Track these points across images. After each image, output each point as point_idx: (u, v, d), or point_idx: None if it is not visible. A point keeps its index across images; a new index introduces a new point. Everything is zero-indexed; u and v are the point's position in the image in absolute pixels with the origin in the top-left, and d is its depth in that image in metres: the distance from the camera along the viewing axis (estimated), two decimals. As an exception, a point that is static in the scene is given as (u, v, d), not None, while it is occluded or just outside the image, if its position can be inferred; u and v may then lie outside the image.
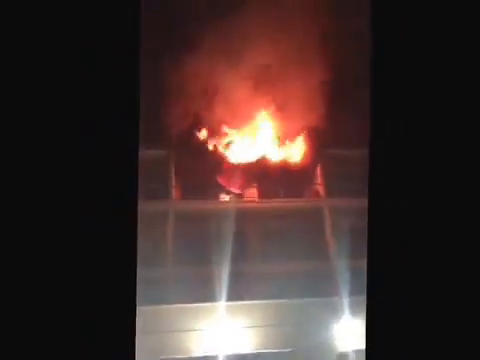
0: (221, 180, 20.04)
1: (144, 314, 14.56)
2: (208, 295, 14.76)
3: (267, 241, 17.29)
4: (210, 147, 20.48)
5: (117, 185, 4.29)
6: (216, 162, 20.53)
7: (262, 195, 20.05)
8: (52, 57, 4.32)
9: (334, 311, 14.03)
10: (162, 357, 14.93)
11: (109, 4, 4.34)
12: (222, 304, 14.46)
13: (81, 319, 4.33)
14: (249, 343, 14.92)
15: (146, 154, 19.12)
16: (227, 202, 18.84)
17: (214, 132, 20.75)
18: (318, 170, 19.84)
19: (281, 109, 20.88)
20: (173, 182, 19.44)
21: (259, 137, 21.02)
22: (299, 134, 20.62)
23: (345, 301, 14.88)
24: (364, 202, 4.67)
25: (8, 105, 4.24)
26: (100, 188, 4.30)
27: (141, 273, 13.54)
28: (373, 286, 4.51)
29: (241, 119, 20.75)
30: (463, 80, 4.61)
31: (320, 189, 19.77)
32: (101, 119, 4.32)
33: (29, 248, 4.25)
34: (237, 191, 20.02)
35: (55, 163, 4.29)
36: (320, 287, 14.94)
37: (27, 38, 4.29)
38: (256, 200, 19.54)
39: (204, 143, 20.61)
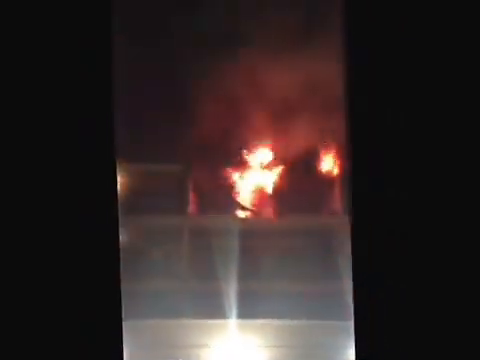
0: (237, 198, 19.96)
1: (154, 328, 14.38)
2: (219, 311, 14.55)
3: (283, 259, 17.07)
4: (228, 164, 20.44)
5: (97, 198, 4.22)
6: (234, 179, 20.47)
7: (278, 213, 19.87)
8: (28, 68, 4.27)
9: (348, 335, 13.65)
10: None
11: (80, 13, 4.29)
12: (233, 321, 14.25)
13: (68, 333, 4.21)
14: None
15: (163, 168, 19.17)
16: (243, 219, 18.65)
17: (234, 149, 20.69)
18: (335, 189, 19.66)
19: (302, 127, 20.83)
20: (190, 197, 19.33)
21: (277, 156, 20.97)
22: (319, 153, 20.51)
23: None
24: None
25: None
26: (81, 200, 4.24)
27: (152, 286, 13.23)
28: (360, 307, 4.45)
29: (262, 136, 20.70)
30: (445, 89, 4.54)
31: (337, 208, 19.53)
32: (76, 129, 4.26)
33: (12, 258, 4.17)
34: (254, 208, 19.92)
35: (35, 176, 4.21)
36: (334, 310, 14.63)
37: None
38: (272, 217, 19.36)
39: (222, 159, 20.56)
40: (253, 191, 21.05)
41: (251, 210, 20.66)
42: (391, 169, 4.55)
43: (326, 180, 20.61)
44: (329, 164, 20.70)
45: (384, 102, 4.55)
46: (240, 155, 20.89)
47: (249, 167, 21.34)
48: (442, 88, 4.53)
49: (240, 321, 15.63)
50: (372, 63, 4.54)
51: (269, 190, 20.80)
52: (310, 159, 20.28)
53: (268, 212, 20.66)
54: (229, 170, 21.18)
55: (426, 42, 4.55)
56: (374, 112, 4.55)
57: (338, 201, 19.98)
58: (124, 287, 5.07)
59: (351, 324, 4.96)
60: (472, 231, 4.43)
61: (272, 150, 20.48)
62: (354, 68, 4.57)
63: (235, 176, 21.43)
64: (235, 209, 20.54)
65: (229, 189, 20.88)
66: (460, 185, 4.49)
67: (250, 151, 20.84)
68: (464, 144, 4.49)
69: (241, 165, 21.42)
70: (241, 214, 20.64)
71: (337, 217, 20.06)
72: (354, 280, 4.59)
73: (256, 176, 21.02)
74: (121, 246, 5.29)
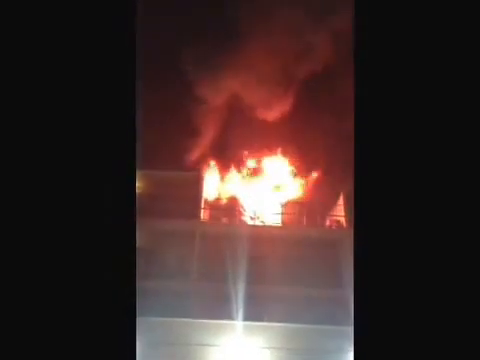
0: (243, 205, 20.12)
1: (163, 326, 14.42)
2: (224, 313, 14.57)
3: (288, 266, 17.01)
4: (236, 174, 20.62)
5: (116, 202, 4.27)
6: (242, 187, 20.66)
7: (285, 222, 19.95)
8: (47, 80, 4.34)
9: (350, 340, 13.56)
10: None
11: (105, 25, 4.37)
12: (239, 323, 14.27)
13: (81, 330, 4.23)
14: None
15: (177, 176, 19.30)
16: (250, 226, 18.72)
17: (240, 160, 20.92)
18: (341, 201, 19.66)
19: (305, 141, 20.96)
20: (202, 204, 19.47)
21: (282, 168, 21.07)
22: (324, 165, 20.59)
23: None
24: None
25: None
26: (101, 204, 4.29)
27: (164, 286, 13.16)
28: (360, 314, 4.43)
29: (264, 149, 20.90)
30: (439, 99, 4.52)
31: (342, 220, 19.55)
32: (99, 139, 4.33)
33: (32, 256, 4.21)
34: (259, 216, 20.04)
35: (58, 183, 4.28)
36: (337, 315, 14.57)
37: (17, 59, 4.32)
38: (279, 226, 19.43)
39: (230, 170, 20.75)
40: (263, 200, 20.78)
41: (260, 218, 20.39)
42: (392, 183, 4.55)
43: (332, 192, 20.36)
44: (335, 177, 20.38)
45: (391, 117, 4.56)
46: (251, 164, 20.64)
47: (258, 176, 21.14)
48: (453, 113, 4.50)
49: (245, 323, 15.54)
50: (380, 77, 4.57)
51: (278, 199, 20.48)
52: (318, 171, 20.00)
53: (276, 220, 20.40)
54: (240, 178, 20.95)
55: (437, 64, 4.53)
56: (381, 129, 4.56)
57: (342, 216, 19.61)
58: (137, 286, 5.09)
59: (351, 329, 4.92)
60: (472, 242, 4.41)
61: (282, 160, 20.21)
62: (361, 82, 4.59)
63: (244, 185, 21.17)
64: (244, 216, 20.32)
65: (239, 197, 20.62)
66: (460, 199, 4.47)
67: (260, 160, 20.59)
68: (468, 162, 4.45)
69: (251, 174, 21.18)
70: (250, 221, 20.52)
71: (342, 229, 19.83)
72: (355, 288, 4.58)
73: (265, 185, 20.80)
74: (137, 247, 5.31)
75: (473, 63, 4.59)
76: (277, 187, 20.22)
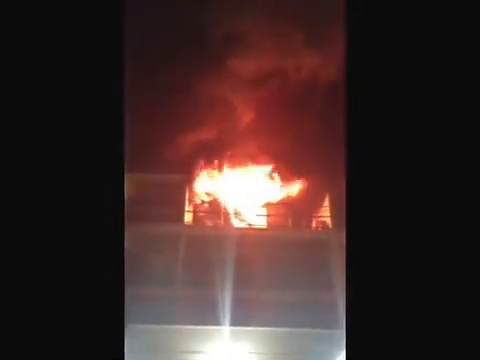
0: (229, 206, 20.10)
1: (151, 333, 14.28)
2: (211, 318, 14.44)
3: (274, 269, 16.95)
4: (220, 175, 20.58)
5: (104, 207, 4.19)
6: (225, 189, 20.64)
7: (271, 224, 19.93)
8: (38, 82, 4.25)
9: (337, 344, 13.52)
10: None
11: (92, 28, 4.29)
12: (225, 329, 14.14)
13: (72, 334, 4.15)
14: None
15: (162, 178, 19.22)
16: (236, 229, 18.67)
17: (225, 161, 20.89)
18: (327, 202, 19.68)
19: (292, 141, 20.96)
20: (186, 207, 19.41)
21: (267, 171, 21.07)
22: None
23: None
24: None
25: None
26: (89, 207, 4.20)
27: (150, 292, 13.01)
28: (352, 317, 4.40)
29: (253, 150, 20.88)
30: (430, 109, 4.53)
31: (328, 222, 19.56)
32: (88, 142, 4.25)
33: (19, 262, 4.12)
34: (247, 218, 20.00)
35: (45, 187, 4.18)
36: (324, 319, 14.50)
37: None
38: (265, 228, 19.43)
39: (215, 171, 20.71)
40: (249, 202, 20.63)
41: (246, 220, 20.21)
42: (385, 185, 4.52)
43: (322, 194, 20.30)
44: (326, 179, 20.32)
45: (382, 119, 4.55)
46: (237, 166, 20.51)
47: (246, 178, 20.98)
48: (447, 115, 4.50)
49: (233, 328, 15.43)
50: (371, 77, 4.55)
51: (264, 200, 20.36)
52: (308, 173, 19.92)
53: (263, 222, 20.25)
54: (226, 180, 20.80)
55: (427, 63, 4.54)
56: (372, 131, 4.54)
57: (329, 217, 19.56)
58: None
59: (339, 333, 4.87)
60: (465, 245, 4.40)
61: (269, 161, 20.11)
62: (352, 90, 4.57)
63: (232, 186, 21.01)
64: (231, 219, 20.11)
65: (226, 199, 20.46)
66: (453, 202, 4.47)
67: (247, 162, 20.43)
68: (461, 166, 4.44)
69: (238, 175, 21.02)
70: (237, 224, 20.29)
71: (329, 230, 19.76)
72: (347, 291, 4.53)
73: (252, 187, 20.64)
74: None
75: (462, 73, 4.63)
76: (264, 188, 20.21)
